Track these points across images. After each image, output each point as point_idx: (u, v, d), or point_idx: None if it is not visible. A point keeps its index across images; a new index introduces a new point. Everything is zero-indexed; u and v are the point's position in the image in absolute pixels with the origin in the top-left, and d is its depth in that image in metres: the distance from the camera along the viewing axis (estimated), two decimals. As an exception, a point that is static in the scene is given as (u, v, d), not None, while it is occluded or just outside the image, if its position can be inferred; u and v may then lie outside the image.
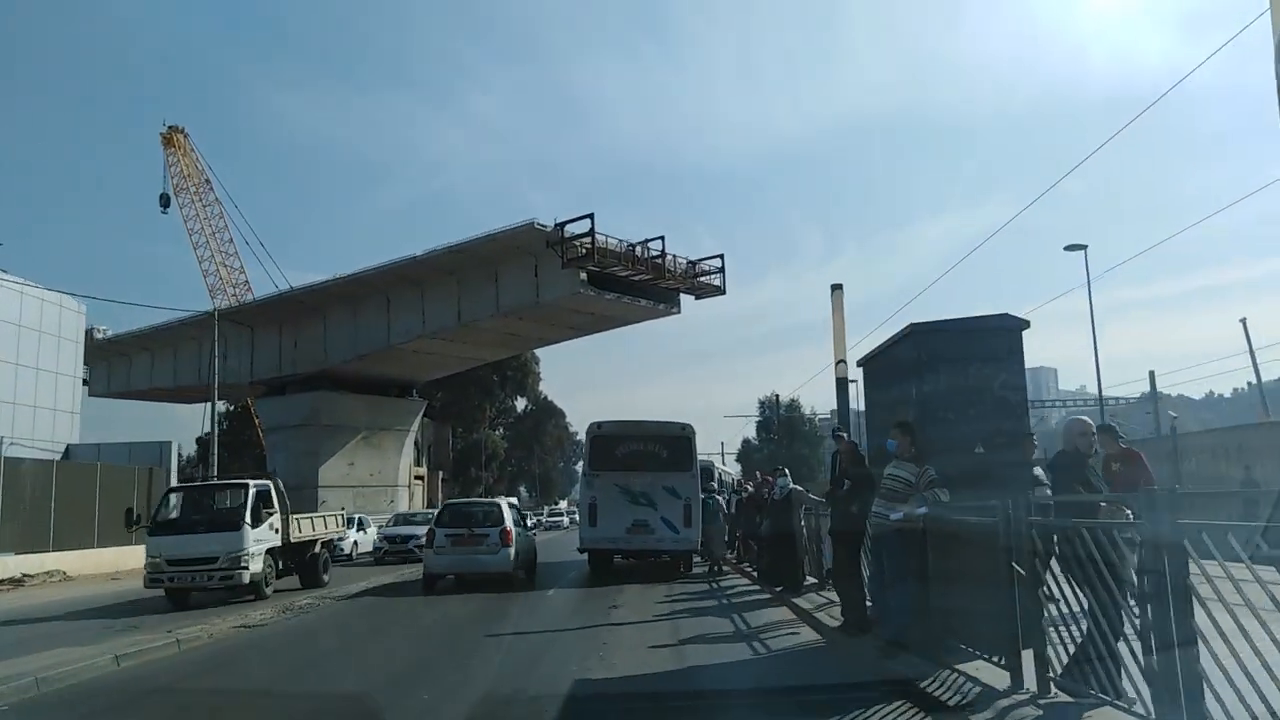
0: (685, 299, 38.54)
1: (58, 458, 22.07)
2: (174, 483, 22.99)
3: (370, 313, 38.59)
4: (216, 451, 22.76)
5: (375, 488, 43.27)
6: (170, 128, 56.03)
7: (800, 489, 10.99)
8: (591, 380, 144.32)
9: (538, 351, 73.11)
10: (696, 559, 16.77)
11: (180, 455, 68.54)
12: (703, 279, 37.35)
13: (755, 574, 14.79)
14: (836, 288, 11.97)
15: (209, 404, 59.79)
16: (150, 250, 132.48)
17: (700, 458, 17.08)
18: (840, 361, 11.34)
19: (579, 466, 16.78)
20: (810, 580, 10.93)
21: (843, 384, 11.45)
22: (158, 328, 41.97)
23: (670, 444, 15.91)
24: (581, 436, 16.14)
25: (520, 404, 79.24)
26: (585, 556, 16.52)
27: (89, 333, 46.03)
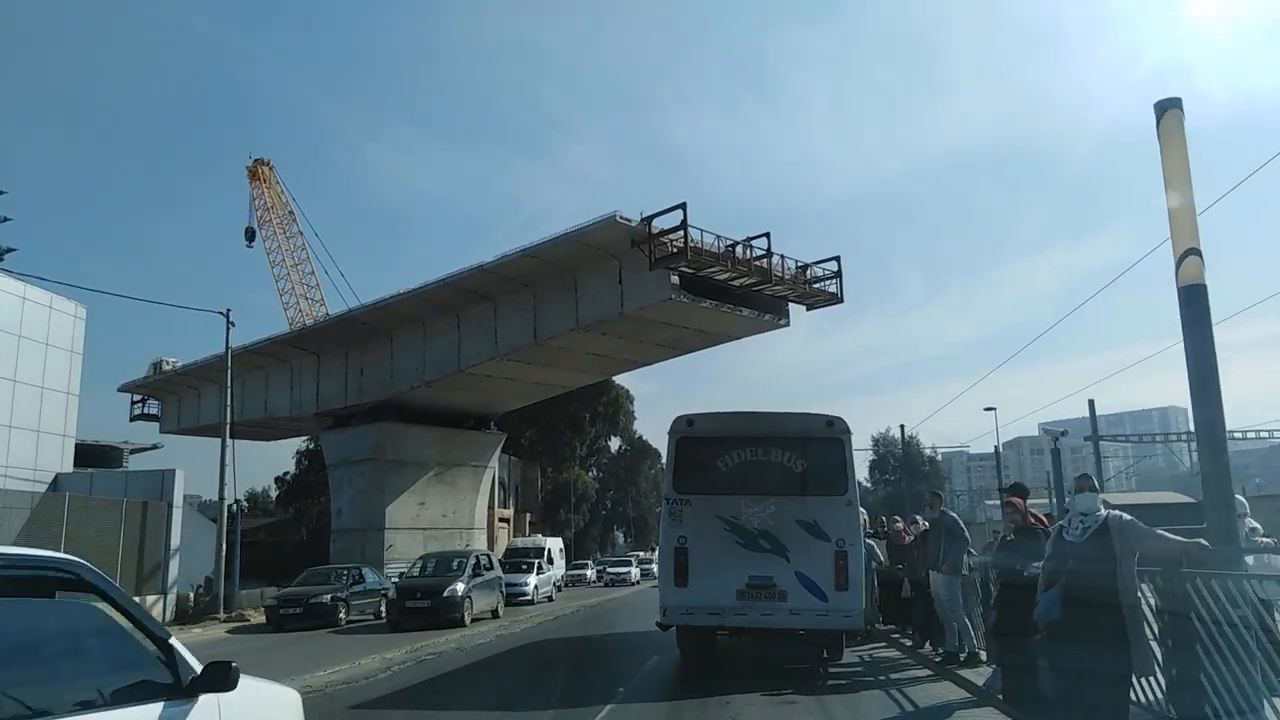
0: (795, 310, 32.81)
1: (42, 489, 18.16)
2: (178, 518, 18.77)
3: (439, 333, 34.49)
4: (224, 495, 18.44)
5: (449, 530, 38.80)
6: (256, 160, 55.03)
7: (1129, 517, 5.11)
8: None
9: (630, 390, 68.87)
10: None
11: (250, 498, 66.67)
12: (816, 285, 31.60)
13: (929, 661, 8.91)
14: (1169, 105, 5.56)
15: (298, 438, 57.74)
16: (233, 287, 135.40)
17: None
18: (1191, 253, 5.15)
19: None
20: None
21: (1197, 296, 5.30)
22: (221, 357, 39.06)
23: (809, 450, 9.94)
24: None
25: (614, 444, 74.99)
26: (671, 632, 10.40)
27: (156, 365, 43.98)
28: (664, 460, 10.36)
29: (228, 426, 18.86)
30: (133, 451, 54.10)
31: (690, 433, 10.19)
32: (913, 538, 10.76)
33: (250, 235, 54.97)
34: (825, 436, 9.98)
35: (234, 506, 25.29)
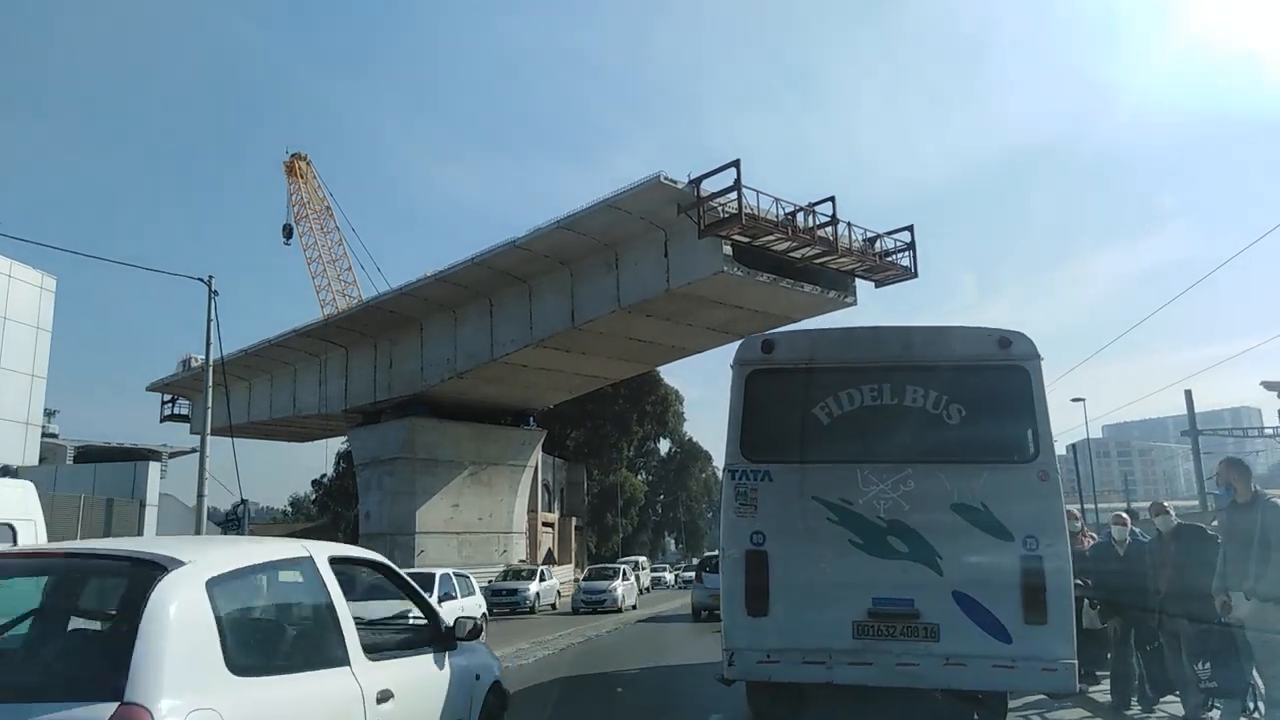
0: (862, 286, 29.26)
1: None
2: (152, 518, 16.17)
3: (471, 320, 31.83)
4: (203, 491, 15.81)
5: (484, 534, 36.11)
6: (294, 156, 53.49)
7: None
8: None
9: (677, 388, 65.58)
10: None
11: (294, 503, 64.85)
12: (887, 257, 28.03)
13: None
14: None
15: (329, 440, 55.93)
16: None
17: None
18: None
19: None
20: None
21: None
22: (248, 352, 37.11)
23: (972, 385, 5.95)
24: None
25: (663, 447, 71.80)
26: (737, 689, 6.48)
27: (185, 363, 42.19)
28: (728, 409, 6.14)
29: (208, 411, 16.29)
30: (171, 455, 52.76)
31: (769, 362, 6.15)
32: (1130, 538, 7.16)
33: (288, 232, 53.47)
34: (1000, 364, 5.89)
35: (240, 508, 22.85)
